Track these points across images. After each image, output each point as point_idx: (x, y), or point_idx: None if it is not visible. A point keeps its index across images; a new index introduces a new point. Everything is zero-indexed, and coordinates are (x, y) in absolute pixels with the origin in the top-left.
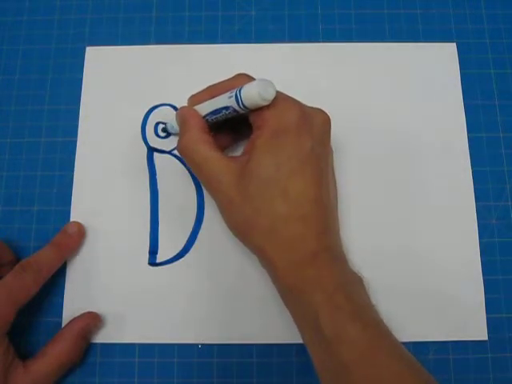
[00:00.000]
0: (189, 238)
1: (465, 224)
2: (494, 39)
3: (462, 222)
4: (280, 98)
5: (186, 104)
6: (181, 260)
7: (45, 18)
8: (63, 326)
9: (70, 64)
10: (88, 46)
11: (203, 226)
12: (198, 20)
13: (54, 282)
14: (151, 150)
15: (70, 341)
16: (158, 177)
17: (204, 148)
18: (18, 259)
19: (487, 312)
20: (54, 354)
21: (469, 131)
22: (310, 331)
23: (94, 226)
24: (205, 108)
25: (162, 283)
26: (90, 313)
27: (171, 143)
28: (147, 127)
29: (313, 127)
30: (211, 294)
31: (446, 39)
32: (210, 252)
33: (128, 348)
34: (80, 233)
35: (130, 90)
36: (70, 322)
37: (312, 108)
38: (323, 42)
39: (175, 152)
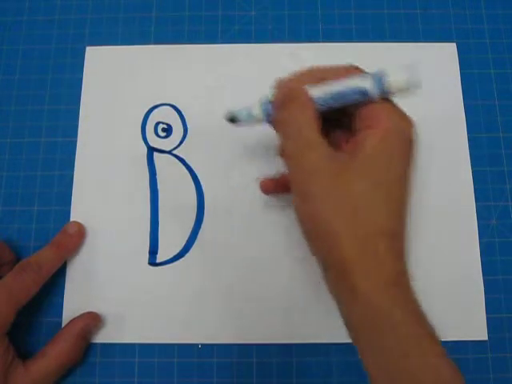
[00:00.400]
0: (189, 238)
1: (465, 224)
2: (494, 39)
3: (462, 221)
4: (394, 103)
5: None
6: (181, 260)
7: (45, 18)
8: (63, 326)
9: (70, 64)
10: (88, 46)
11: (203, 225)
12: (198, 20)
13: (54, 282)
14: (151, 150)
15: (69, 341)
16: (157, 177)
17: (313, 130)
18: (18, 259)
19: (487, 312)
20: (53, 354)
21: (469, 131)
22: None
23: (94, 226)
24: (321, 89)
25: (162, 283)
26: (89, 313)
27: (171, 143)
28: (147, 127)
29: (414, 145)
30: (211, 294)
31: (446, 39)
32: (209, 252)
33: (128, 348)
34: (80, 233)
35: (129, 90)
36: (70, 322)
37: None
38: (323, 42)
39: (175, 152)
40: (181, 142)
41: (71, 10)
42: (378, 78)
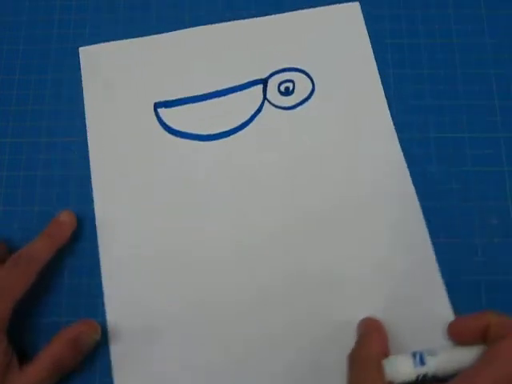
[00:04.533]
0: None
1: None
2: (494, 39)
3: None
4: None
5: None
6: None
7: (45, 18)
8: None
9: (70, 64)
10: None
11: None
12: (198, 20)
13: (55, 283)
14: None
15: (61, 346)
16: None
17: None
18: (10, 251)
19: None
20: (46, 358)
21: (468, 131)
22: None
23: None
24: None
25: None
26: (86, 320)
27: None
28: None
29: None
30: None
31: (445, 39)
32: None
33: None
34: (71, 221)
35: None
36: (66, 327)
37: None
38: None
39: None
40: None
41: (71, 9)
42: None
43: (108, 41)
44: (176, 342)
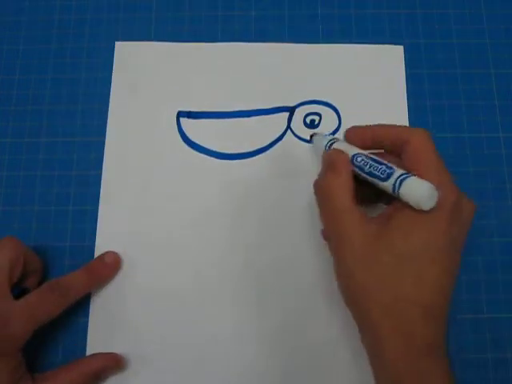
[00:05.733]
0: None
1: None
2: (494, 39)
3: None
4: (438, 170)
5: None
6: None
7: (45, 18)
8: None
9: (70, 64)
10: (88, 45)
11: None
12: (198, 20)
13: None
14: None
15: (82, 374)
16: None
17: (347, 199)
18: (44, 268)
19: (487, 312)
20: (62, 381)
21: (468, 131)
22: None
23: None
24: (360, 161)
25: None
26: (112, 355)
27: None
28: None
29: (462, 216)
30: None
31: (445, 39)
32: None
33: None
34: (116, 263)
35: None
36: (92, 356)
37: (463, 194)
38: (323, 42)
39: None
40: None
41: (71, 9)
42: (400, 180)
43: (107, 40)
44: (164, 369)
